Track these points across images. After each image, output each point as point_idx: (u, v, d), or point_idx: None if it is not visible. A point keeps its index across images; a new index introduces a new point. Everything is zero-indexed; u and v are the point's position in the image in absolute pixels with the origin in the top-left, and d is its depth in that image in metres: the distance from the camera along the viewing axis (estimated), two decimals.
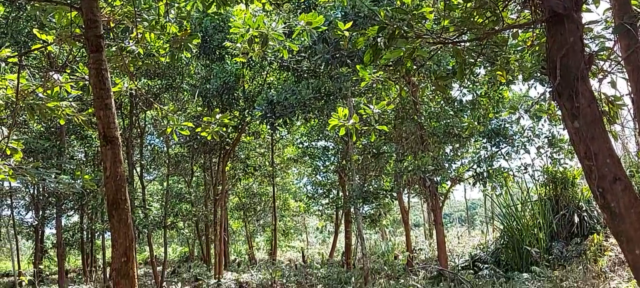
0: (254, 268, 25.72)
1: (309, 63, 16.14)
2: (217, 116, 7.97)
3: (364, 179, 22.32)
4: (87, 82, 6.95)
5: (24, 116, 14.28)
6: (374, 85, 15.06)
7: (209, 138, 8.20)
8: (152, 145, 26.34)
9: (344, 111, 7.01)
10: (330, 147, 26.15)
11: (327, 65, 13.51)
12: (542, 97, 12.91)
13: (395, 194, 20.43)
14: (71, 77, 7.50)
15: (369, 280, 17.08)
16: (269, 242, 37.09)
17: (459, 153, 19.34)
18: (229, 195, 29.78)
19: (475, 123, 15.31)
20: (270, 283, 19.33)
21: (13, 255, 21.85)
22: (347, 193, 23.27)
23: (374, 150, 20.76)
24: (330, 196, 29.31)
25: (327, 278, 19.82)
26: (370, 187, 20.15)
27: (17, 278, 17.76)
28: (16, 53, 6.26)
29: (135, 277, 5.80)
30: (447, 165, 16.77)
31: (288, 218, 38.74)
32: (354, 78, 7.72)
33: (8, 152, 6.46)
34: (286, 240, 40.48)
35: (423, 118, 16.68)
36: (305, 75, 16.51)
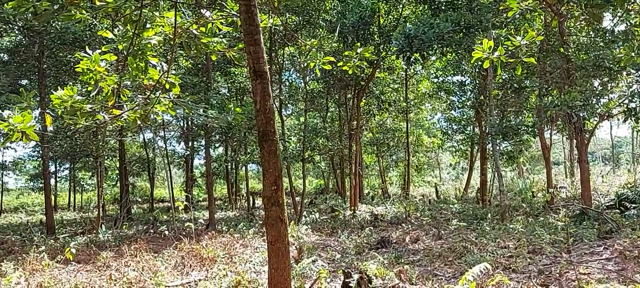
0: (388, 202, 26.13)
1: None
2: (358, 50, 8.03)
3: (502, 115, 21.59)
4: (234, 19, 7.22)
5: (177, 52, 15.31)
6: (517, 16, 14.36)
7: (350, 72, 8.31)
8: (290, 81, 27.18)
9: (489, 43, 6.80)
10: (467, 81, 25.45)
11: None
12: None
13: (536, 130, 19.62)
14: (221, 13, 7.84)
15: (506, 216, 16.76)
16: (401, 177, 37.34)
17: (609, 88, 18.00)
18: (362, 130, 30.19)
19: (632, 54, 14.12)
20: (404, 216, 19.57)
21: (167, 183, 23.86)
22: (484, 129, 22.72)
23: (515, 85, 19.91)
24: (466, 132, 28.72)
25: (462, 213, 19.71)
26: (510, 122, 19.44)
27: (173, 203, 19.42)
28: None
29: (284, 204, 6.09)
30: (594, 100, 15.68)
31: (421, 153, 38.64)
32: (502, 7, 7.39)
33: (167, 86, 6.91)
34: (419, 176, 40.52)
35: (570, 50, 15.67)
36: (443, 7, 16.07)
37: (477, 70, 21.76)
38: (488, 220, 16.73)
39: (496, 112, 20.59)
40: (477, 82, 23.10)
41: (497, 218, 16.95)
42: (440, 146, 36.75)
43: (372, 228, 16.66)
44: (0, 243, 16.14)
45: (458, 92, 26.45)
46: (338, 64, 8.40)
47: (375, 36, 19.38)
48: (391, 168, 40.84)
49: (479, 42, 6.73)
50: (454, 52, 17.62)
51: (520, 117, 22.69)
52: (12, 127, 5.06)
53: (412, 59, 15.47)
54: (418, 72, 29.86)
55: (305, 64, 8.37)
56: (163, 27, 7.06)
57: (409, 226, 16.92)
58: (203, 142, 24.03)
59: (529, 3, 6.56)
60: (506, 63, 7.29)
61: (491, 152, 20.96)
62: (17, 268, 10.74)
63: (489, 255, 10.82)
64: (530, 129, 18.61)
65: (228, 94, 25.80)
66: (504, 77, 19.96)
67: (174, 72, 8.41)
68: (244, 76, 24.47)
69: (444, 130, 31.20)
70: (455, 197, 28.67)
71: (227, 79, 24.41)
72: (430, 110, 36.63)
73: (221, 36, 7.69)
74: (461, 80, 25.97)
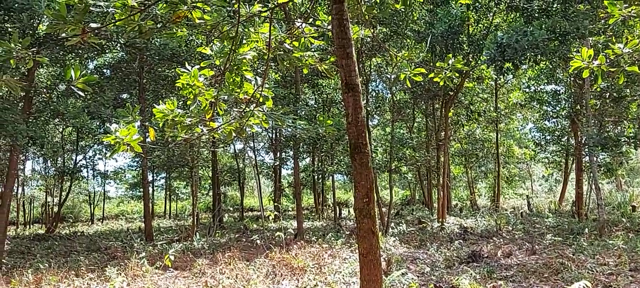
0: (477, 214, 25.53)
1: (541, 1, 15.21)
2: (450, 61, 7.96)
3: (600, 125, 20.63)
4: (326, 32, 7.33)
5: (271, 66, 15.74)
6: (618, 22, 13.69)
7: (441, 83, 8.25)
8: (376, 92, 27.19)
9: (588, 52, 6.56)
10: (561, 90, 24.50)
11: (562, 3, 12.59)
12: None
13: (638, 141, 18.59)
14: (313, 27, 7.97)
15: (604, 231, 15.98)
16: (491, 189, 36.37)
17: None
18: (450, 141, 29.71)
19: None
20: (495, 229, 19.06)
21: (256, 192, 24.45)
22: (581, 140, 21.77)
23: (614, 94, 18.97)
24: (561, 143, 27.62)
25: (556, 227, 18.94)
26: (609, 133, 18.51)
27: (263, 212, 19.88)
28: (266, 8, 6.86)
29: (376, 216, 6.09)
30: None
31: (512, 165, 37.50)
32: (602, 14, 7.09)
33: (261, 100, 7.11)
34: (509, 188, 39.32)
35: None
36: (536, 14, 15.59)
37: (572, 79, 20.92)
38: (585, 235, 16.01)
39: (594, 122, 19.67)
40: (573, 91, 22.20)
41: (595, 233, 16.19)
42: (533, 157, 35.53)
43: (461, 241, 16.33)
44: (105, 248, 17.14)
45: (552, 102, 25.49)
46: (429, 75, 8.34)
47: (465, 45, 19.06)
48: (480, 180, 39.87)
49: (576, 49, 6.49)
50: (548, 60, 17.03)
51: (620, 128, 21.57)
52: (118, 140, 5.40)
53: (503, 68, 15.08)
54: (508, 81, 29.07)
55: (395, 75, 8.33)
56: (257, 42, 7.27)
57: (501, 240, 16.44)
58: (291, 153, 24.50)
59: (632, 9, 6.26)
60: (606, 72, 7.00)
61: (588, 164, 20.05)
62: (120, 274, 11.37)
63: (588, 272, 10.36)
64: (631, 140, 17.68)
65: (315, 106, 26.18)
66: (602, 86, 19.06)
67: (266, 85, 8.65)
68: (331, 88, 24.75)
69: (537, 141, 30.13)
70: (549, 210, 27.60)
71: (314, 90, 24.78)
72: (522, 120, 35.54)
73: (313, 50, 7.85)
74: (555, 89, 25.04)
